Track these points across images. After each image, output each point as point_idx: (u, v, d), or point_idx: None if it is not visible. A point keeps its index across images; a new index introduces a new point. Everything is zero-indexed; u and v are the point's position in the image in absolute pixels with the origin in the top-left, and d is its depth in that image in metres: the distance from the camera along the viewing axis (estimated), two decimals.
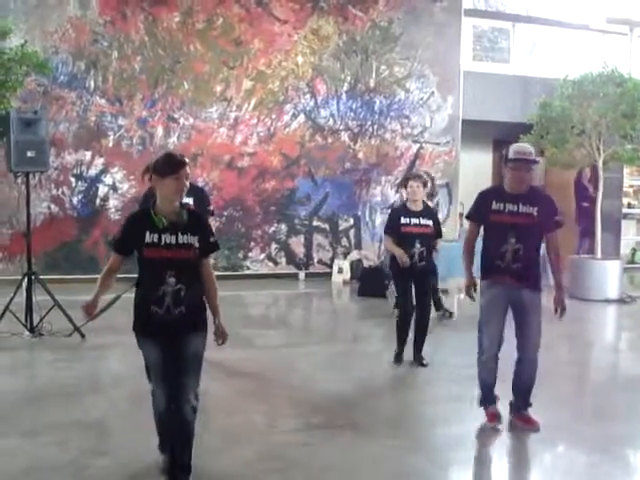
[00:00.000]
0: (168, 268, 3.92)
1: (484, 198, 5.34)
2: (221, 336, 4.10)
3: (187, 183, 4.01)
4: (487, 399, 5.38)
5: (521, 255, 5.08)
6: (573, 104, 10.96)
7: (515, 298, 5.16)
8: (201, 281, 4.07)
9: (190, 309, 4.00)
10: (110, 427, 5.25)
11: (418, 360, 6.92)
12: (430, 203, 7.58)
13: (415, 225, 6.79)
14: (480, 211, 5.32)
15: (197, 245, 3.97)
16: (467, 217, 5.51)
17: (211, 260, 4.22)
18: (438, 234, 7.00)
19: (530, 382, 5.28)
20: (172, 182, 3.94)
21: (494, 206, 5.18)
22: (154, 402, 4.15)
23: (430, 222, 6.86)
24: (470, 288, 5.34)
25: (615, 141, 11.12)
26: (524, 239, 5.09)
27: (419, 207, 6.87)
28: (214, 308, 4.13)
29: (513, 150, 5.14)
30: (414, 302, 6.91)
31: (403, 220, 6.81)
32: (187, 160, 4.06)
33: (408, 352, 6.96)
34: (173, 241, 3.93)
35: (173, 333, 4.01)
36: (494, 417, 5.32)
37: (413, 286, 6.90)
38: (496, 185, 5.24)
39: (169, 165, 3.98)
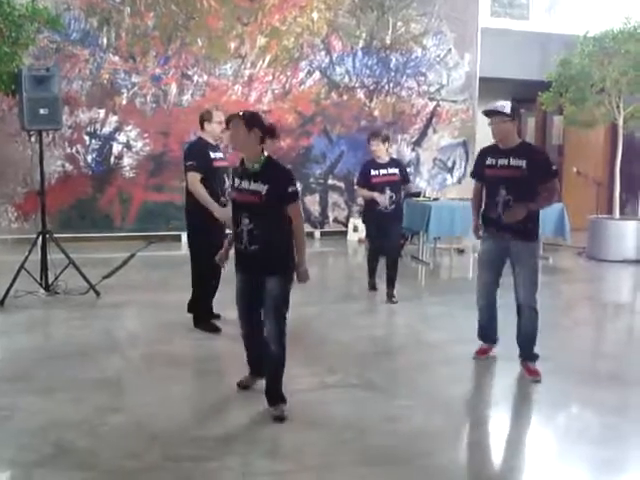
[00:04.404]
0: (243, 210, 4.48)
1: (480, 155, 5.73)
2: (300, 277, 4.56)
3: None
4: (481, 335, 5.86)
5: (512, 206, 5.28)
6: (593, 61, 10.75)
7: (509, 249, 5.41)
8: (281, 225, 4.46)
9: (264, 249, 4.44)
10: (125, 385, 5.26)
11: (389, 297, 7.83)
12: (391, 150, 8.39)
13: (384, 175, 7.75)
14: (477, 168, 5.71)
15: (264, 192, 4.37)
16: (471, 175, 5.94)
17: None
18: (405, 180, 7.96)
19: (529, 332, 5.45)
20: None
21: (488, 161, 5.50)
22: None
23: (397, 170, 7.83)
24: (477, 229, 5.78)
25: (635, 99, 10.94)
26: (514, 191, 5.30)
27: (385, 159, 7.82)
28: (297, 251, 4.53)
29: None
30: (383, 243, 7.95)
31: (373, 172, 7.76)
32: (240, 114, 4.47)
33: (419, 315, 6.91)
34: (245, 187, 4.46)
35: (253, 271, 4.55)
36: (482, 352, 5.84)
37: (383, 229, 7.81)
38: (492, 143, 5.50)
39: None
